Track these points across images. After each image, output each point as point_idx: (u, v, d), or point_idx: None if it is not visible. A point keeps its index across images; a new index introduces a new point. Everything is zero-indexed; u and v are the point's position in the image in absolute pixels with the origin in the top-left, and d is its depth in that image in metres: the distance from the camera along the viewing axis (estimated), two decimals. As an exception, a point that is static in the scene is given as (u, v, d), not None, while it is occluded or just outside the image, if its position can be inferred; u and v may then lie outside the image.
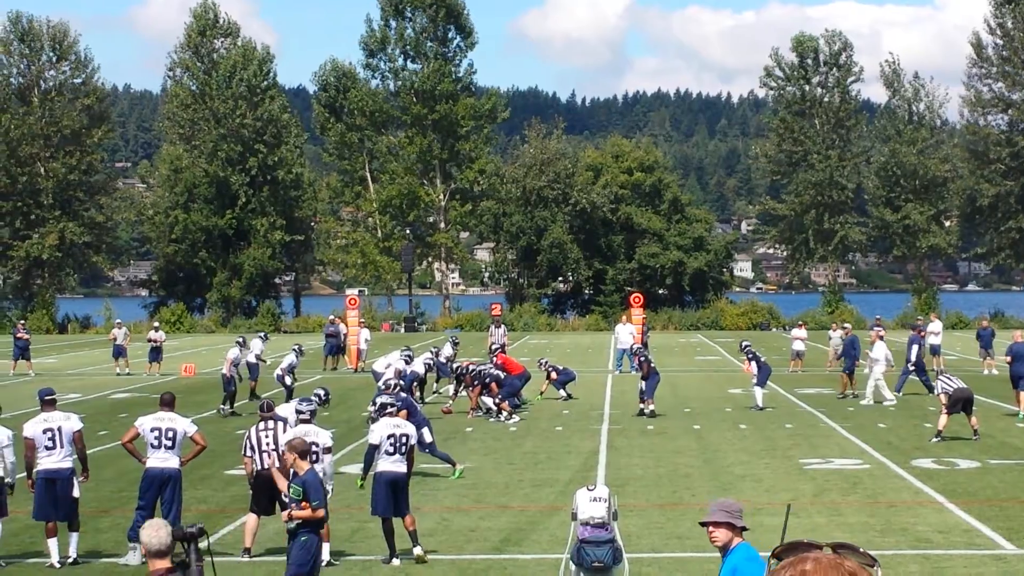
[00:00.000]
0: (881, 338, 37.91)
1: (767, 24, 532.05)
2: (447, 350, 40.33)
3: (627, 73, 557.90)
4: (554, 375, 38.40)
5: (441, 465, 24.04)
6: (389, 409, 18.57)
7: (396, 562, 17.19)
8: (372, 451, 18.01)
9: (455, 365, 35.84)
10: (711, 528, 9.36)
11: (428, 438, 23.68)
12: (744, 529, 9.48)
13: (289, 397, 32.28)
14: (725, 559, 9.35)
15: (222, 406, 34.88)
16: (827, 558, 3.39)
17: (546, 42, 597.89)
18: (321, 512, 14.43)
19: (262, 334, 40.55)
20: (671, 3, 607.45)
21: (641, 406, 33.38)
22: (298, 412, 17.86)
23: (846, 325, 46.17)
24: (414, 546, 17.32)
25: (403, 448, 17.61)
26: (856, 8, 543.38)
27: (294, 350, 37.66)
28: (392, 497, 17.35)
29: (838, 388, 38.84)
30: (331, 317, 55.08)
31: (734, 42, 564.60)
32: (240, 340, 37.85)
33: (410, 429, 18.02)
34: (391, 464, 17.53)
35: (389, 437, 17.64)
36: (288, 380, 35.39)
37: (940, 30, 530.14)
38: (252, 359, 38.14)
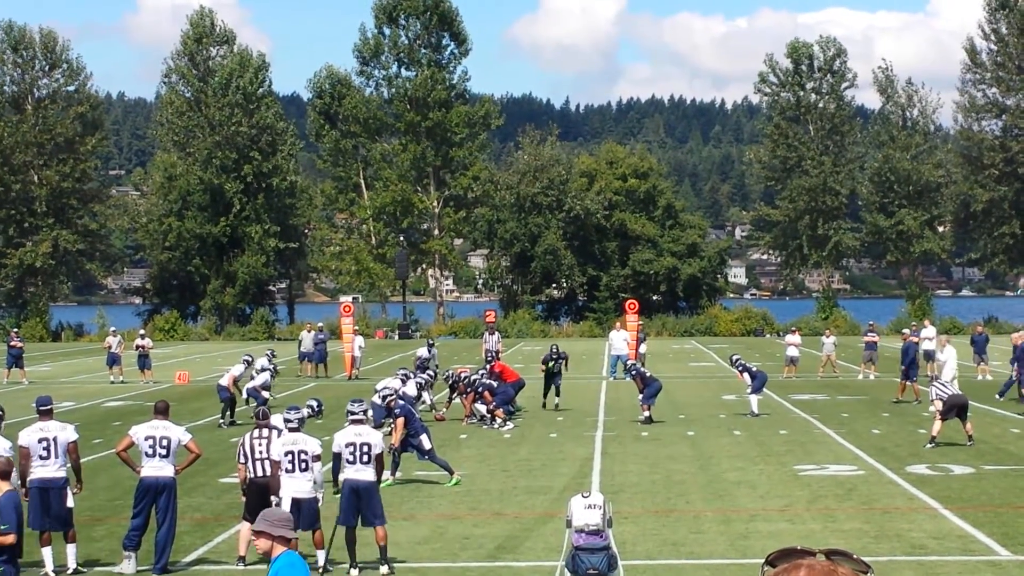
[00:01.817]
0: (950, 342, 37.86)
1: (759, 31, 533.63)
2: (423, 353, 40.21)
3: (619, 80, 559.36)
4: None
5: (438, 473, 24.02)
6: (351, 417, 18.43)
7: (354, 572, 17.11)
8: (336, 459, 18.00)
9: (448, 372, 35.71)
10: (254, 537, 9.64)
11: (427, 445, 23.65)
12: (289, 540, 9.68)
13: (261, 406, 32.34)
14: (269, 568, 9.61)
15: (221, 421, 34.22)
16: (821, 565, 3.39)
17: (539, 49, 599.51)
18: (10, 538, 13.80)
19: (271, 368, 38.47)
20: (662, 10, 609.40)
21: (646, 414, 33.34)
22: (286, 421, 17.77)
23: (904, 331, 45.96)
24: (381, 563, 17.16)
25: (364, 457, 17.42)
26: (848, 14, 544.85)
27: (269, 370, 37.17)
28: (356, 506, 17.25)
29: (896, 394, 38.50)
30: (319, 325, 55.08)
31: (726, 49, 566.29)
32: (247, 358, 37.22)
33: (373, 438, 17.81)
34: (354, 472, 17.44)
35: (348, 445, 17.52)
36: (264, 395, 34.90)
37: (932, 36, 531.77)
38: (259, 382, 36.41)
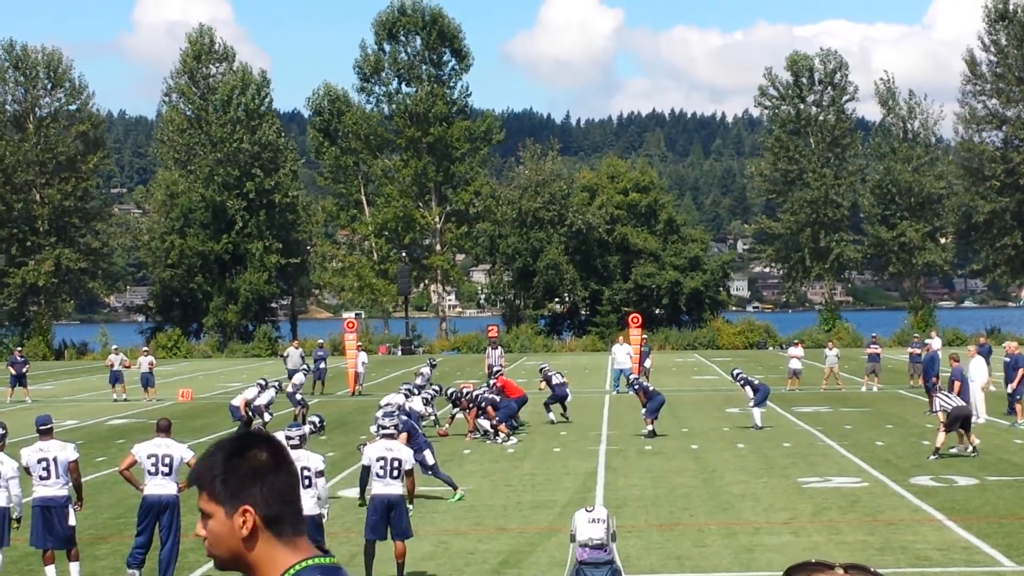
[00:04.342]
0: (979, 352, 37.50)
1: (756, 44, 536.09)
2: (425, 371, 40.18)
3: (617, 94, 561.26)
4: (544, 384, 38.00)
5: (441, 488, 23.99)
6: (383, 431, 18.47)
7: None
8: (365, 472, 18.09)
9: (451, 390, 35.63)
10: None
11: (430, 460, 23.65)
12: None
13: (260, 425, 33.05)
14: None
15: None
16: (839, 578, 3.38)
17: (537, 64, 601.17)
18: None
19: (276, 384, 38.41)
20: (659, 24, 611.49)
21: (650, 427, 33.32)
22: (288, 439, 17.71)
23: (927, 341, 45.74)
24: None
25: (394, 472, 17.49)
26: (845, 26, 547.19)
27: (274, 387, 37.09)
28: (383, 520, 17.29)
29: (927, 407, 37.84)
30: (320, 342, 55.05)
31: (724, 62, 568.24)
32: (261, 382, 36.93)
33: (404, 454, 17.89)
34: (383, 487, 17.48)
35: (379, 459, 17.58)
36: (267, 415, 34.91)
37: (929, 48, 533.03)
38: (263, 400, 36.40)
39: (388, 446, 17.86)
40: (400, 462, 17.59)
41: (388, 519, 17.28)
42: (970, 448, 28.50)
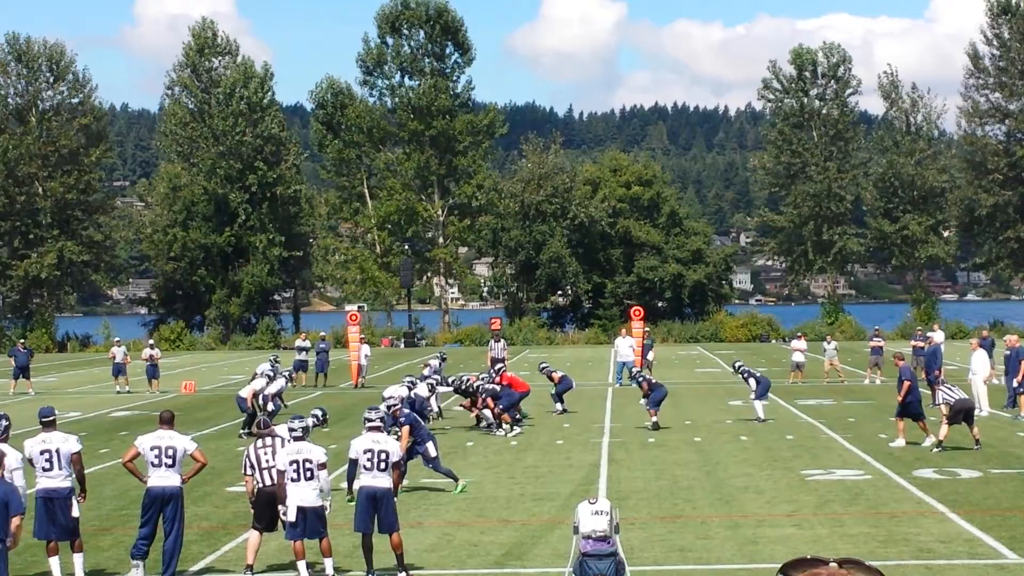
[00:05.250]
0: (981, 345, 37.32)
1: (758, 37, 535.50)
2: (434, 364, 40.23)
3: (619, 88, 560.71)
4: (556, 376, 38.09)
5: (444, 480, 23.99)
6: (368, 424, 18.43)
7: None
8: (352, 466, 18.11)
9: (451, 379, 35.66)
10: None
11: (432, 453, 23.62)
12: None
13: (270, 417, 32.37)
14: None
15: (243, 432, 33.91)
16: (835, 574, 3.39)
17: (539, 57, 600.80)
18: None
19: (286, 373, 38.62)
20: (661, 17, 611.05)
21: (653, 419, 33.31)
22: (290, 430, 17.71)
23: (930, 335, 45.62)
24: (399, 570, 17.20)
25: (381, 464, 17.46)
26: (847, 20, 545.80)
27: (283, 376, 37.12)
28: (372, 512, 17.25)
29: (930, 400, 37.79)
30: (322, 334, 55.15)
31: (726, 55, 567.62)
32: (269, 373, 36.87)
33: (391, 446, 17.85)
34: (371, 479, 17.46)
35: (366, 452, 17.55)
36: (271, 405, 34.82)
37: (932, 41, 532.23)
38: (274, 389, 35.93)
39: (375, 438, 17.80)
40: (387, 454, 17.55)
41: (375, 512, 17.25)
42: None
